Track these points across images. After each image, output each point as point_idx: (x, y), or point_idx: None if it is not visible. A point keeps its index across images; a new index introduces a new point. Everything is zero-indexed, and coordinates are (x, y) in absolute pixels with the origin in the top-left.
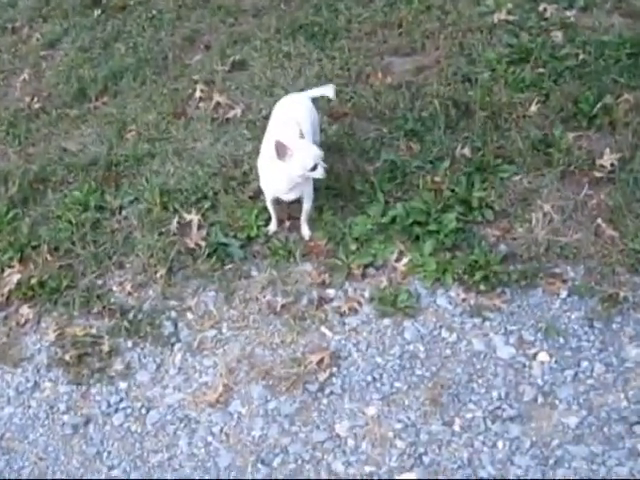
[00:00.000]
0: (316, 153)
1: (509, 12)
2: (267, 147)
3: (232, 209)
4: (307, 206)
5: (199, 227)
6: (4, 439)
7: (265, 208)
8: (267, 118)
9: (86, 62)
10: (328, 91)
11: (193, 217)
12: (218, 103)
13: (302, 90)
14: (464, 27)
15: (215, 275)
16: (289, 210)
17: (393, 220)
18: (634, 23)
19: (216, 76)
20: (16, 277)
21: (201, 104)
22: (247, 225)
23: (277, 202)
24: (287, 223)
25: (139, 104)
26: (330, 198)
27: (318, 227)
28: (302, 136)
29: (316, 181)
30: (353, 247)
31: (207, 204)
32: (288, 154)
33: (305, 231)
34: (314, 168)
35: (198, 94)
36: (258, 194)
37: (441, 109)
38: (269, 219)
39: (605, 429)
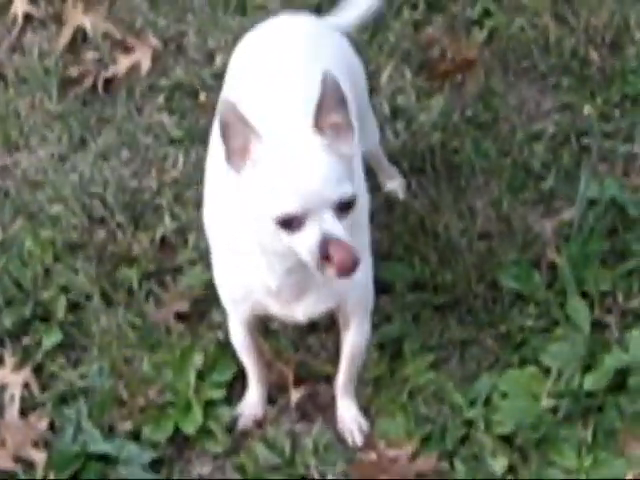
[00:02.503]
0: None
1: None
2: (217, 159)
3: (126, 352)
4: (356, 341)
5: (28, 408)
6: None
7: (227, 346)
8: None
9: None
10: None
11: (8, 378)
12: (83, 35)
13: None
14: None
15: None
16: (298, 354)
17: (620, 380)
18: None
19: None
20: None
21: (31, 38)
22: (174, 402)
23: (262, 325)
24: (294, 394)
25: None
26: (425, 312)
27: (389, 405)
28: (349, 122)
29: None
30: (499, 465)
31: (53, 338)
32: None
33: (350, 414)
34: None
35: (21, 8)
36: (209, 304)
37: None
38: (239, 378)
39: None
